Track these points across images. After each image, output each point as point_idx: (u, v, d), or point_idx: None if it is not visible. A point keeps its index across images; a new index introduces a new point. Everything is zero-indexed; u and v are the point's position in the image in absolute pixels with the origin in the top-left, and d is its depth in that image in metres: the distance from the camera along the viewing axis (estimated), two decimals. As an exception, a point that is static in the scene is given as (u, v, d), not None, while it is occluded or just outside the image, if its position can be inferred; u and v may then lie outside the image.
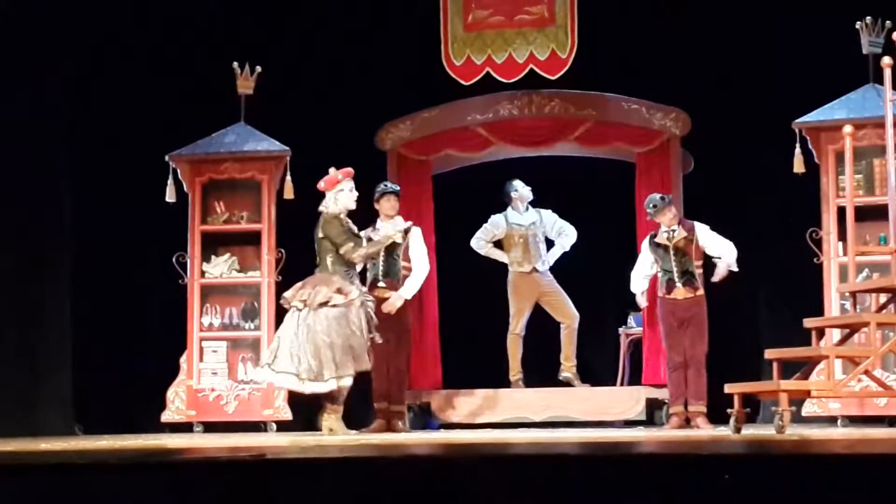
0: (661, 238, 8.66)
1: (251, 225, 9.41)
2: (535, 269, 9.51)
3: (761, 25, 9.15)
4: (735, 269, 8.56)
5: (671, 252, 8.59)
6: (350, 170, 8.14)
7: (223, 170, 9.54)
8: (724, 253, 8.58)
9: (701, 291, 8.56)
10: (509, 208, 9.62)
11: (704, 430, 8.07)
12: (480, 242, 9.65)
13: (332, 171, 8.13)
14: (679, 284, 8.55)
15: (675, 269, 8.56)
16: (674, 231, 8.62)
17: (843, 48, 8.63)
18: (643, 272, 8.85)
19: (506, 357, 9.51)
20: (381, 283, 8.64)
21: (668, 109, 9.38)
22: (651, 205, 8.63)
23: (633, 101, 9.44)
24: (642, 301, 8.97)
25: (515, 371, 9.50)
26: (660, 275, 8.68)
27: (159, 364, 9.56)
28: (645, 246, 8.80)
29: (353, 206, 8.10)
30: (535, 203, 9.64)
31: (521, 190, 9.56)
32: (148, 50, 9.70)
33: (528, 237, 9.54)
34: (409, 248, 8.72)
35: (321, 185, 8.14)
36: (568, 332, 9.48)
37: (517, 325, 9.55)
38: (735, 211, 9.16)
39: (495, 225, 9.63)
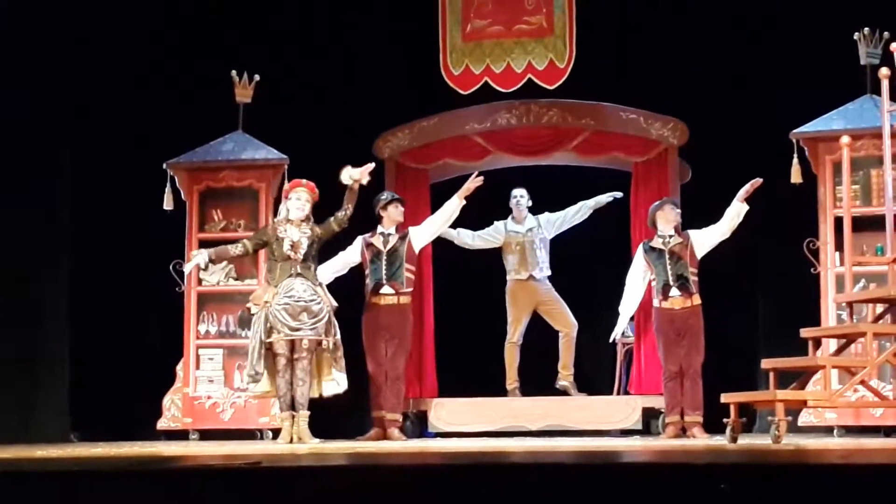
0: (656, 243, 8.68)
1: (248, 233, 9.39)
2: (532, 277, 9.52)
3: (759, 35, 9.17)
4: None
5: (666, 256, 8.60)
6: (300, 181, 8.30)
7: (221, 178, 9.55)
8: (722, 222, 8.59)
9: (697, 300, 8.56)
10: (510, 215, 9.65)
11: (701, 440, 8.07)
12: (480, 238, 9.65)
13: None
14: (674, 289, 8.55)
15: (669, 273, 8.57)
16: (670, 237, 8.64)
17: (841, 59, 8.64)
18: (635, 293, 8.86)
19: (502, 365, 9.51)
20: (384, 288, 8.67)
21: (665, 119, 9.39)
22: (655, 203, 8.73)
23: (630, 111, 9.45)
24: (621, 326, 9.04)
25: (512, 380, 9.50)
26: (654, 282, 8.69)
27: (156, 371, 9.57)
28: (638, 254, 8.81)
29: (299, 215, 8.20)
30: (533, 211, 9.66)
31: (517, 198, 9.60)
32: (147, 58, 9.71)
33: (525, 244, 9.55)
34: (414, 244, 8.81)
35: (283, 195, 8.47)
36: (566, 341, 9.49)
37: (514, 333, 9.56)
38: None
39: (495, 230, 9.67)
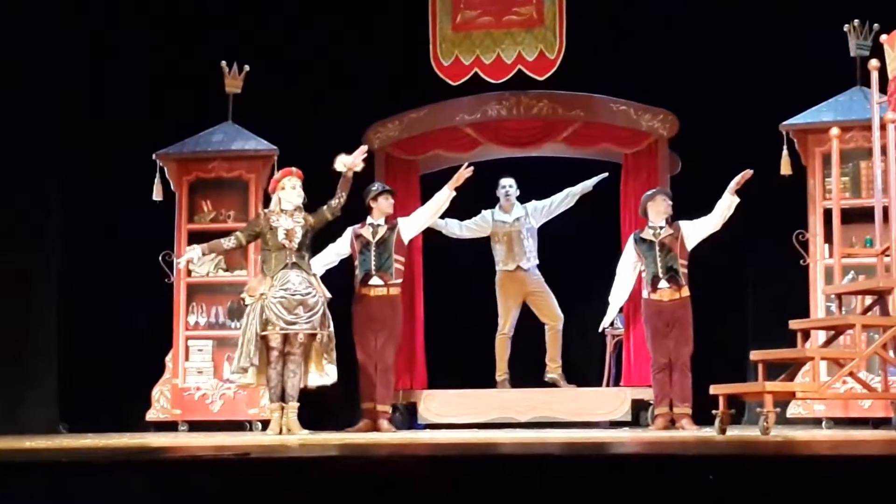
0: (647, 234, 8.68)
1: (238, 224, 9.37)
2: (519, 268, 9.51)
3: (749, 27, 9.17)
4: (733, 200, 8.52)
5: (656, 248, 8.60)
6: (292, 169, 8.28)
7: (210, 169, 9.53)
8: (713, 214, 8.59)
9: (686, 292, 8.56)
10: (497, 205, 9.64)
11: (689, 432, 8.08)
12: (468, 228, 9.65)
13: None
14: (663, 281, 8.54)
15: (659, 265, 8.57)
16: (661, 228, 8.64)
17: (831, 50, 8.65)
18: (625, 284, 8.87)
19: (492, 357, 9.51)
20: (373, 279, 8.65)
21: (655, 111, 9.38)
22: (648, 192, 8.73)
23: (620, 103, 9.45)
24: (610, 316, 9.04)
25: (502, 372, 9.49)
26: (643, 273, 8.70)
27: (145, 363, 9.55)
28: (629, 245, 8.81)
29: (297, 202, 8.19)
30: (521, 201, 9.65)
31: (506, 188, 9.57)
32: (136, 49, 9.68)
33: (513, 234, 9.54)
34: (403, 235, 8.80)
35: (269, 187, 8.42)
36: (553, 333, 9.48)
37: (505, 325, 9.55)
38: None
39: (483, 219, 9.66)
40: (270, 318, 7.99)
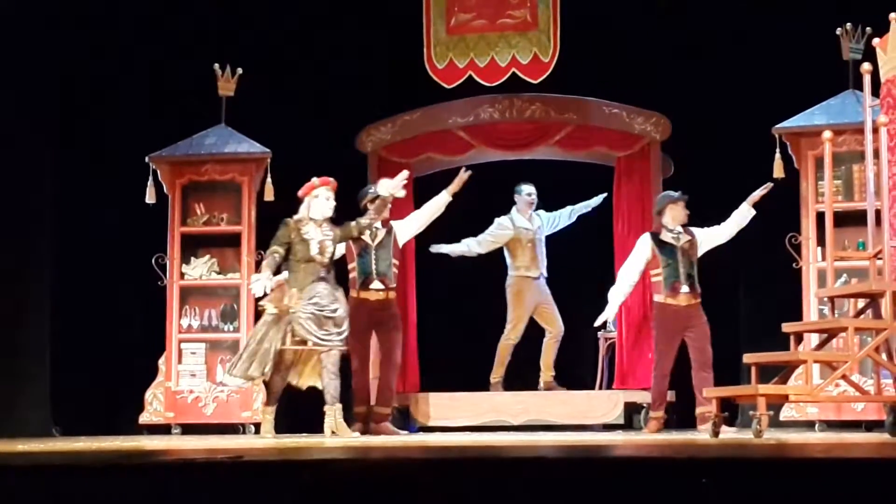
0: (667, 237, 8.55)
1: (231, 227, 9.40)
2: (541, 275, 9.49)
3: (742, 30, 9.19)
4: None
5: (678, 253, 8.51)
6: (329, 179, 8.12)
7: (203, 171, 9.53)
8: (727, 225, 8.58)
9: (699, 297, 8.52)
10: (514, 211, 9.57)
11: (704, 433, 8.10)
12: (486, 242, 9.54)
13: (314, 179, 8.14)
14: (685, 286, 8.47)
15: (681, 271, 8.48)
16: (680, 234, 8.56)
17: (824, 54, 8.67)
18: (629, 282, 8.76)
19: (485, 360, 9.47)
20: (374, 283, 8.57)
21: (648, 114, 9.40)
22: (672, 194, 8.63)
23: (613, 106, 9.47)
24: (610, 313, 8.82)
25: (497, 375, 9.46)
26: (659, 277, 8.54)
27: (138, 365, 9.53)
28: (644, 244, 8.62)
29: (328, 213, 8.03)
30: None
31: (532, 195, 9.50)
32: (129, 51, 9.68)
33: (536, 242, 9.50)
34: (399, 238, 8.75)
35: (300, 191, 8.16)
36: (553, 342, 9.44)
37: (514, 332, 9.45)
38: (714, 216, 9.16)
39: (502, 227, 9.55)
40: (300, 333, 7.83)
